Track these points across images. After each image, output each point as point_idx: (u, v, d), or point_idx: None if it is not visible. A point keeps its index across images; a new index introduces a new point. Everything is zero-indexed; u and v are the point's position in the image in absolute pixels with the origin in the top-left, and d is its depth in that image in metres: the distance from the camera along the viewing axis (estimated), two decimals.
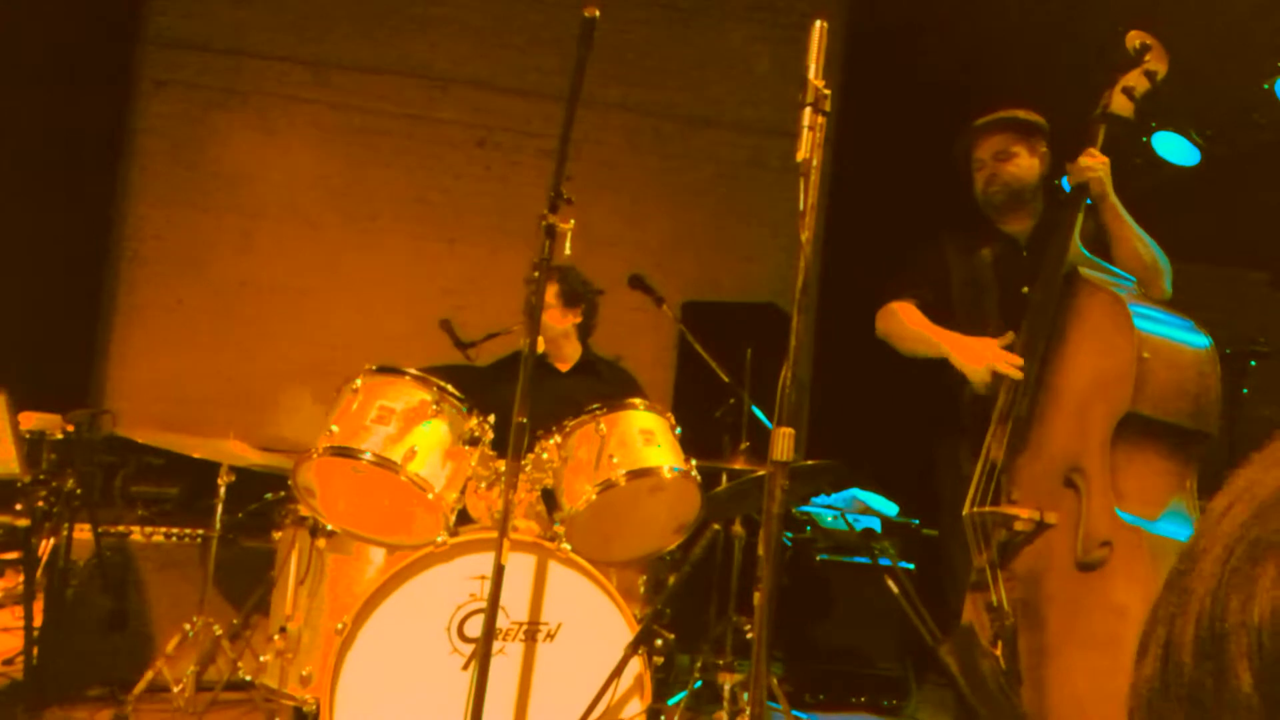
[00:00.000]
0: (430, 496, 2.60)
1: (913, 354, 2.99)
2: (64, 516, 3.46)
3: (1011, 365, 2.62)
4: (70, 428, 3.61)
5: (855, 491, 4.68)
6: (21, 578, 3.63)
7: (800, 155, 1.98)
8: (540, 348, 3.48)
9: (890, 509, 4.69)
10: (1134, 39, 2.74)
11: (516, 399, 2.35)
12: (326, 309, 5.73)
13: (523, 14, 5.94)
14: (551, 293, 3.57)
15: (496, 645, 2.56)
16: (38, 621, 3.39)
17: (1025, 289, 2.73)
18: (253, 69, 5.80)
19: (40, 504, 3.37)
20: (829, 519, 4.41)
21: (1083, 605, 2.36)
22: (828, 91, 2.01)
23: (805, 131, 1.98)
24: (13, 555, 3.57)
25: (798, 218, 1.99)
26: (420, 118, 5.94)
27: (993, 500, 2.55)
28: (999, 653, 2.40)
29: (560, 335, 3.63)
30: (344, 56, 5.87)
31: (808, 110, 1.99)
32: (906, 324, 3.00)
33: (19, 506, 3.30)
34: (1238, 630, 0.50)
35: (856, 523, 4.44)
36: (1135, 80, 2.73)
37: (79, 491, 3.51)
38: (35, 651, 3.36)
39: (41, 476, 3.41)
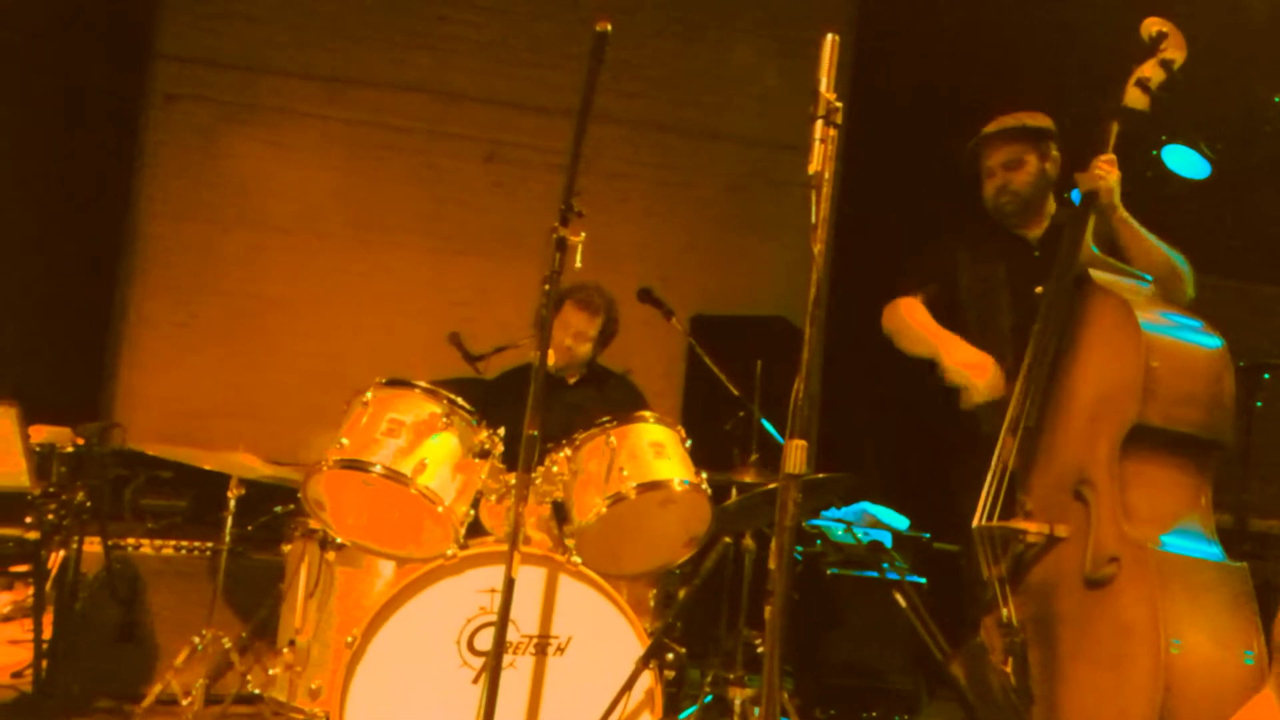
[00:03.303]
0: (440, 509, 2.60)
1: (910, 352, 2.96)
2: (74, 529, 3.46)
3: (989, 388, 2.61)
4: (80, 441, 3.61)
5: (865, 505, 4.66)
6: (31, 590, 3.64)
7: (812, 168, 1.99)
8: (551, 360, 3.49)
9: (901, 522, 4.66)
10: (1149, 26, 2.65)
11: (527, 411, 2.35)
12: (336, 322, 5.73)
13: (532, 30, 5.97)
14: (594, 326, 3.60)
15: (506, 659, 2.55)
16: (47, 634, 3.39)
17: (1039, 289, 2.67)
18: (263, 84, 5.83)
19: (50, 517, 3.37)
20: (839, 532, 4.39)
21: (1091, 622, 2.32)
22: (839, 104, 2.02)
23: (816, 144, 1.99)
24: (23, 568, 3.56)
25: (810, 231, 2.00)
26: (430, 132, 5.96)
27: (1007, 513, 2.51)
28: (1009, 669, 2.37)
29: (581, 362, 3.66)
30: (354, 72, 5.90)
31: (819, 123, 1.99)
32: (909, 321, 2.97)
33: (29, 519, 3.30)
34: None
35: (866, 536, 4.41)
36: (1150, 71, 2.63)
37: (89, 504, 3.51)
38: (45, 664, 3.36)
39: (51, 489, 3.42)
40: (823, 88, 2.01)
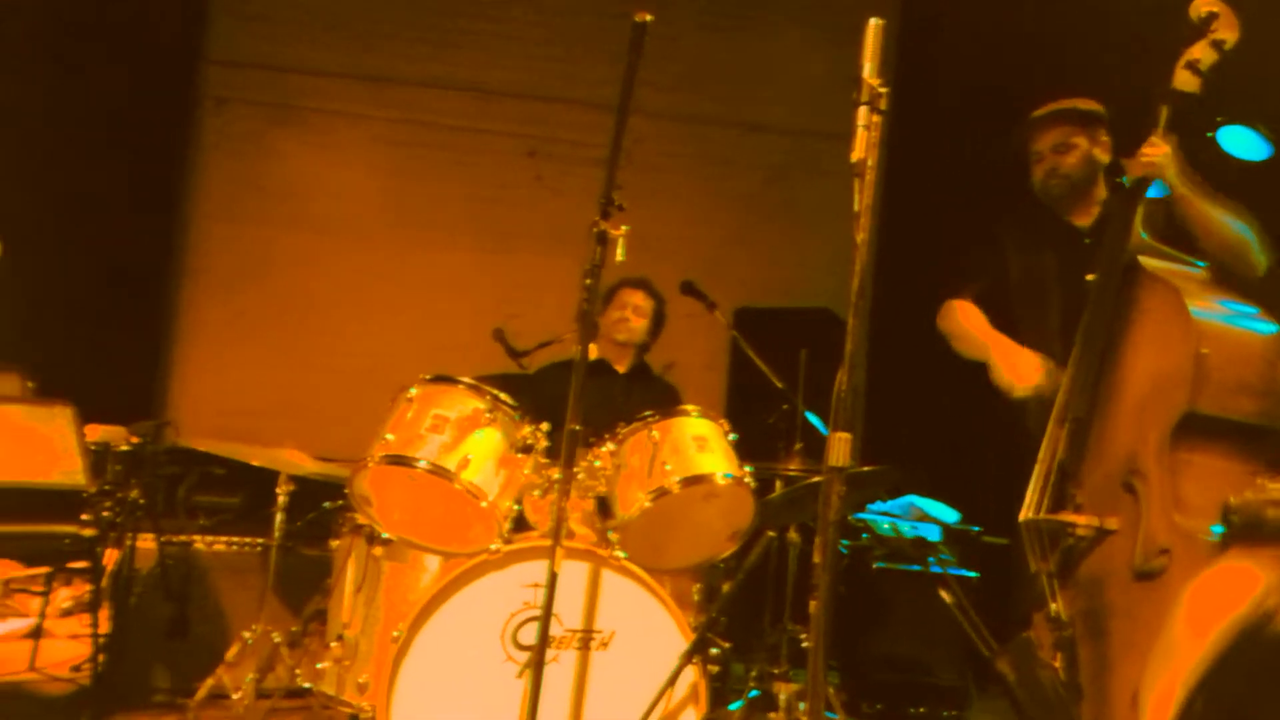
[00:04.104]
0: (484, 504, 2.61)
1: (965, 355, 2.95)
2: (128, 526, 3.53)
3: (1032, 388, 2.62)
4: (135, 439, 3.68)
5: (912, 498, 4.60)
6: (89, 586, 3.72)
7: (855, 155, 1.96)
8: (593, 354, 3.50)
9: (950, 516, 4.60)
10: (1199, 7, 2.57)
11: (569, 406, 2.34)
12: (382, 320, 5.79)
13: (571, 25, 5.97)
14: (650, 304, 3.74)
15: (550, 653, 2.55)
16: (104, 629, 3.46)
17: (1089, 277, 2.62)
18: (310, 85, 5.91)
19: (106, 514, 3.43)
20: (885, 526, 4.34)
21: (1142, 616, 2.27)
22: (884, 90, 1.98)
23: (860, 131, 1.96)
24: (81, 564, 3.64)
25: (853, 220, 1.97)
26: (472, 130, 6.00)
27: (1056, 505, 2.47)
28: (1058, 664, 2.33)
29: (635, 345, 3.73)
30: (398, 71, 5.95)
31: (863, 109, 1.96)
32: (961, 323, 2.97)
33: (86, 517, 3.37)
34: None
35: (914, 530, 4.35)
36: (1201, 52, 2.56)
37: (143, 501, 3.58)
38: (102, 658, 3.43)
39: (107, 487, 3.48)
40: (866, 73, 1.98)
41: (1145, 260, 2.53)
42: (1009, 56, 4.93)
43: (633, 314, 3.69)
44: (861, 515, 4.44)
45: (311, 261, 5.84)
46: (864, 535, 4.40)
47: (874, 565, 4.22)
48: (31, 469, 3.43)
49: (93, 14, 5.34)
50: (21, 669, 3.67)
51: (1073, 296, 2.69)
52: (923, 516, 4.53)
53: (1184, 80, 2.59)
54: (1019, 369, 2.70)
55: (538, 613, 2.36)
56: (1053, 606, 2.36)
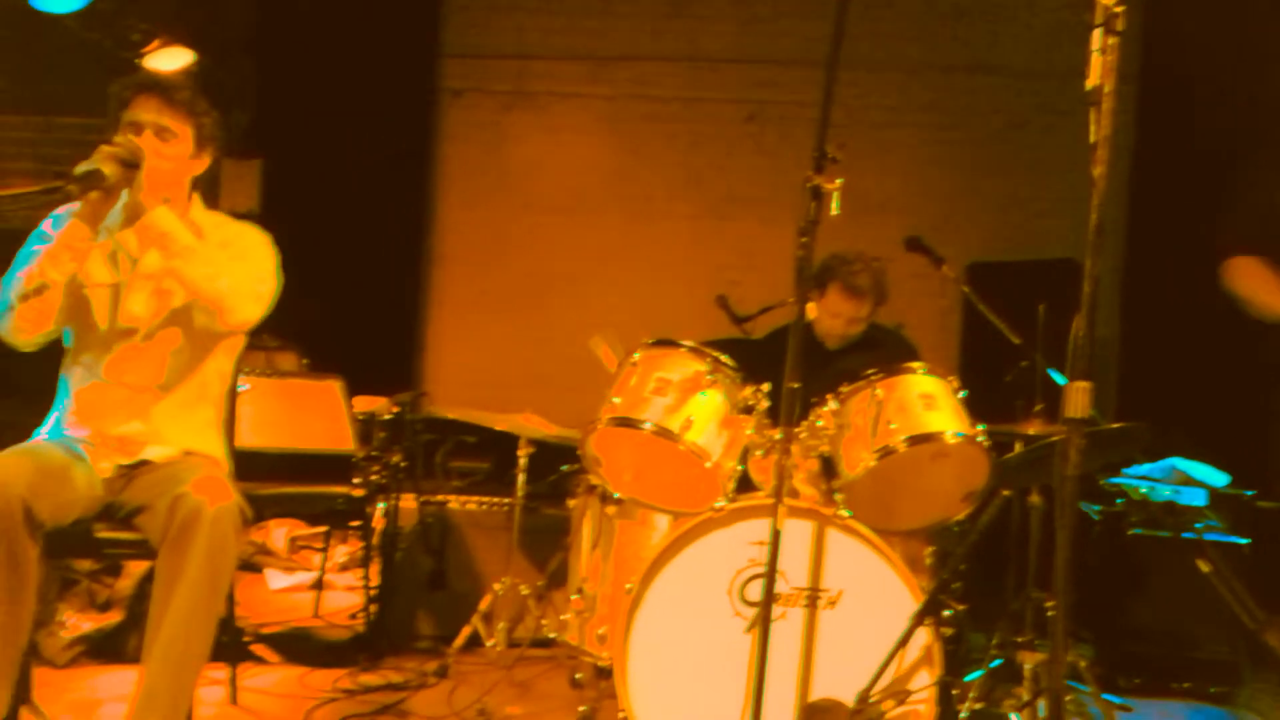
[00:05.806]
0: (708, 464, 2.65)
1: (1260, 318, 2.85)
2: (393, 488, 3.88)
3: None
4: (396, 409, 4.01)
5: (1175, 460, 4.22)
6: (361, 543, 4.12)
7: (1090, 82, 1.86)
8: (811, 314, 3.45)
9: (1219, 479, 4.19)
10: None
11: (787, 366, 2.34)
12: (609, 292, 5.96)
13: None
14: (865, 308, 3.51)
15: (777, 610, 2.57)
16: (374, 581, 3.83)
17: None
18: (536, 71, 6.16)
19: (373, 477, 3.79)
20: (1143, 490, 4.02)
21: None
22: (1119, 9, 1.85)
23: (1094, 55, 1.85)
24: (354, 523, 4.03)
25: (1089, 153, 1.86)
26: (691, 100, 6.04)
27: None
28: None
29: (855, 338, 3.58)
30: (617, 49, 6.09)
31: (1097, 32, 1.85)
32: (1250, 286, 2.86)
33: (356, 479, 3.74)
34: None
35: (1177, 495, 4.01)
36: None
37: (404, 465, 3.92)
38: (373, 608, 3.79)
39: (374, 453, 3.84)
40: None
41: None
42: None
43: (846, 325, 3.51)
44: (1117, 480, 4.14)
45: (544, 240, 6.11)
46: (1119, 500, 4.10)
47: (1130, 532, 3.93)
48: (309, 437, 3.83)
49: (340, 23, 5.82)
50: (307, 616, 4.11)
51: None
52: (1186, 480, 4.16)
53: None
54: None
55: (763, 570, 2.38)
56: None
